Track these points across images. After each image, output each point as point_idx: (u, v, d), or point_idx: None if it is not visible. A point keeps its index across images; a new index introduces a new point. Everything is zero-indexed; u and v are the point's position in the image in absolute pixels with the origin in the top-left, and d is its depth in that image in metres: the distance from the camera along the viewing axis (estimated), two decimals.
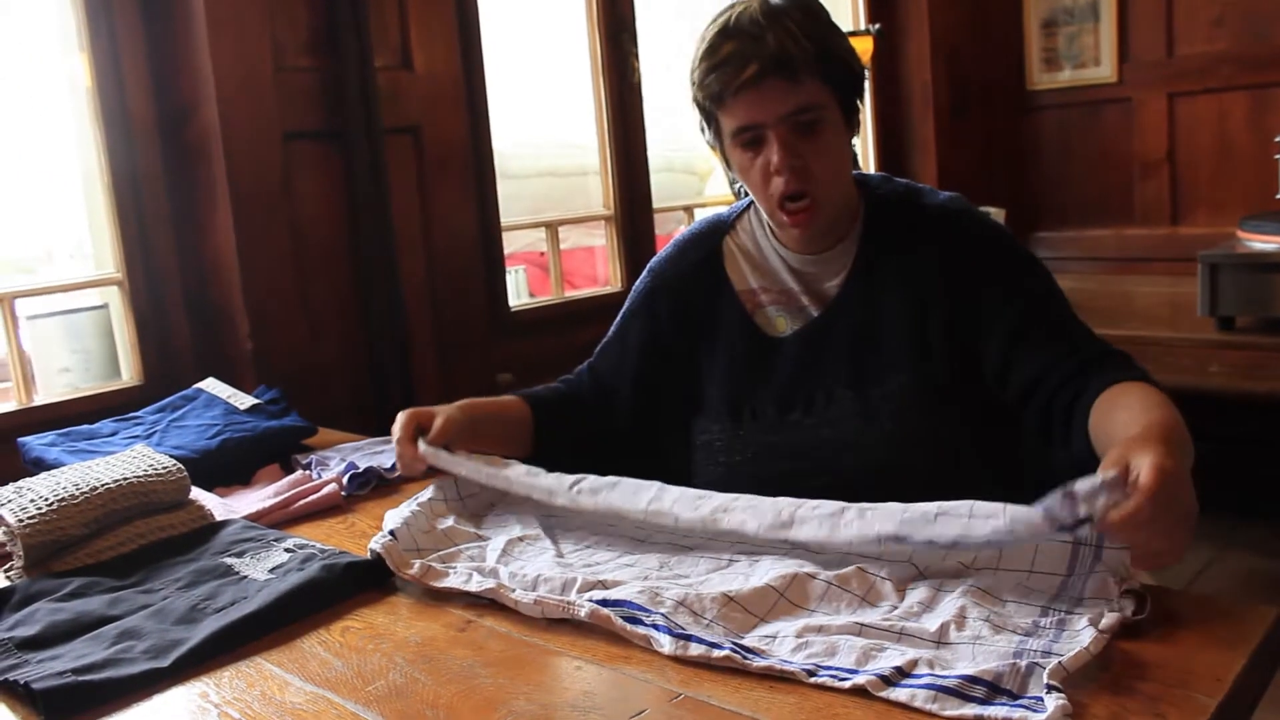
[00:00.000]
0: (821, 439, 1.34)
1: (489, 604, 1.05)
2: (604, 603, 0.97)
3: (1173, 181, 3.76)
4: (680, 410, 1.46)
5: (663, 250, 1.53)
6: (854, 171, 1.40)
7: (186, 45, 2.02)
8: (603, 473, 1.23)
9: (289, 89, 2.11)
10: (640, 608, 0.95)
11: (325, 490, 1.44)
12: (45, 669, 0.94)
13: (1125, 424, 1.03)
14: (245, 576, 1.14)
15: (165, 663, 0.96)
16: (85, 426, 1.72)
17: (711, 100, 1.30)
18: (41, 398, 2.01)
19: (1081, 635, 0.82)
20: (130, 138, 2.06)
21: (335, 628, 1.04)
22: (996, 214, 3.74)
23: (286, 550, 1.19)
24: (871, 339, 1.34)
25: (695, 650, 0.89)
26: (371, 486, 1.50)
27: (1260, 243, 2.59)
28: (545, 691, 0.88)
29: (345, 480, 1.48)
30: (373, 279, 2.24)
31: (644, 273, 1.52)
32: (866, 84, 1.45)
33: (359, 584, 1.11)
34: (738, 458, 1.38)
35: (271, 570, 1.14)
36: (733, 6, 1.29)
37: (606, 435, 1.50)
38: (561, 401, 1.50)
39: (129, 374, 2.12)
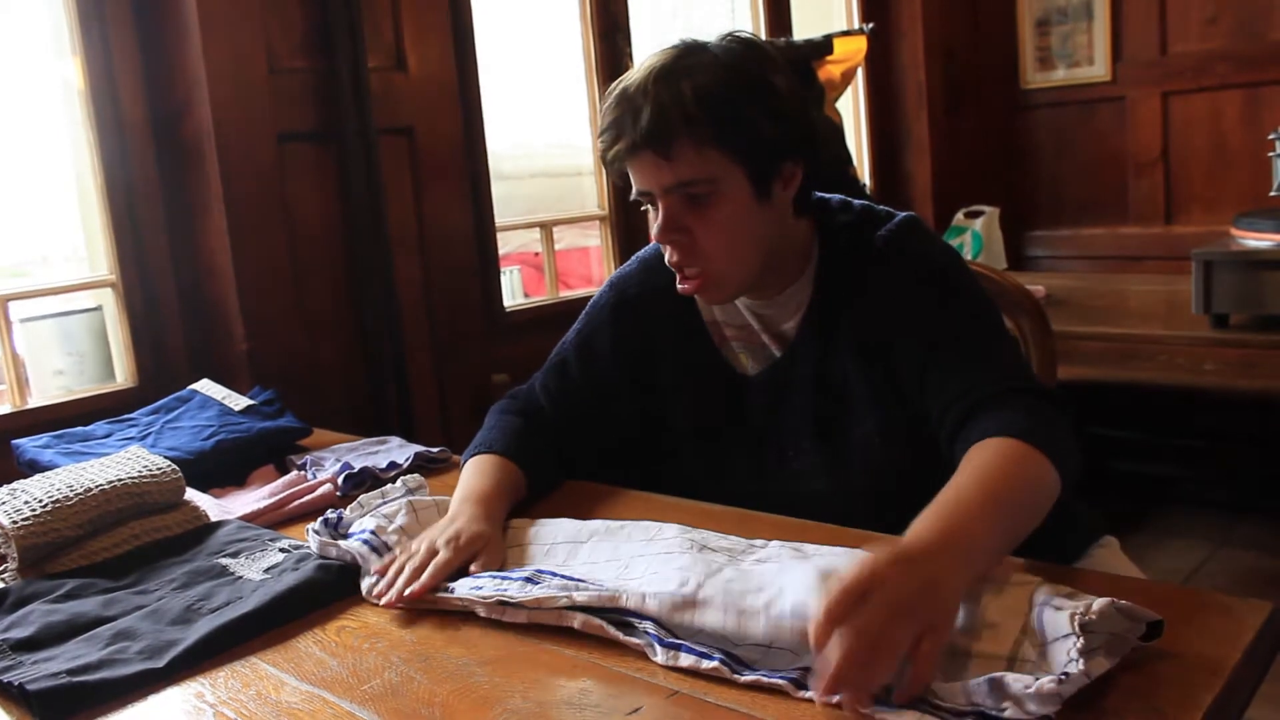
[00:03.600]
0: (794, 493, 1.30)
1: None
2: (598, 611, 0.97)
3: (1167, 180, 3.77)
4: (646, 436, 1.42)
5: (625, 266, 1.46)
6: (815, 195, 1.32)
7: (179, 47, 2.02)
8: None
9: (282, 90, 2.11)
10: (632, 614, 0.95)
11: (320, 491, 1.44)
12: (40, 670, 0.94)
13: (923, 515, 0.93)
14: (240, 577, 1.13)
15: (160, 663, 0.95)
16: (79, 428, 1.71)
17: (605, 162, 1.26)
18: (35, 400, 2.01)
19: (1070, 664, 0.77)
20: (123, 140, 2.05)
21: (330, 627, 1.03)
22: (990, 213, 3.75)
23: (281, 550, 1.19)
24: (832, 387, 1.28)
25: (685, 660, 0.89)
26: (366, 487, 1.50)
27: (1254, 240, 2.59)
28: (541, 689, 0.88)
29: (340, 481, 1.48)
30: (367, 280, 2.24)
31: (604, 288, 1.46)
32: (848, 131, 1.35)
33: (354, 584, 1.11)
34: (715, 503, 1.33)
35: (266, 570, 1.14)
36: (646, 60, 1.23)
37: (574, 450, 1.43)
38: (536, 436, 1.39)
39: (123, 376, 2.11)
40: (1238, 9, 3.53)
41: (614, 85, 1.24)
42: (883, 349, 1.24)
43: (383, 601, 1.07)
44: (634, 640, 0.93)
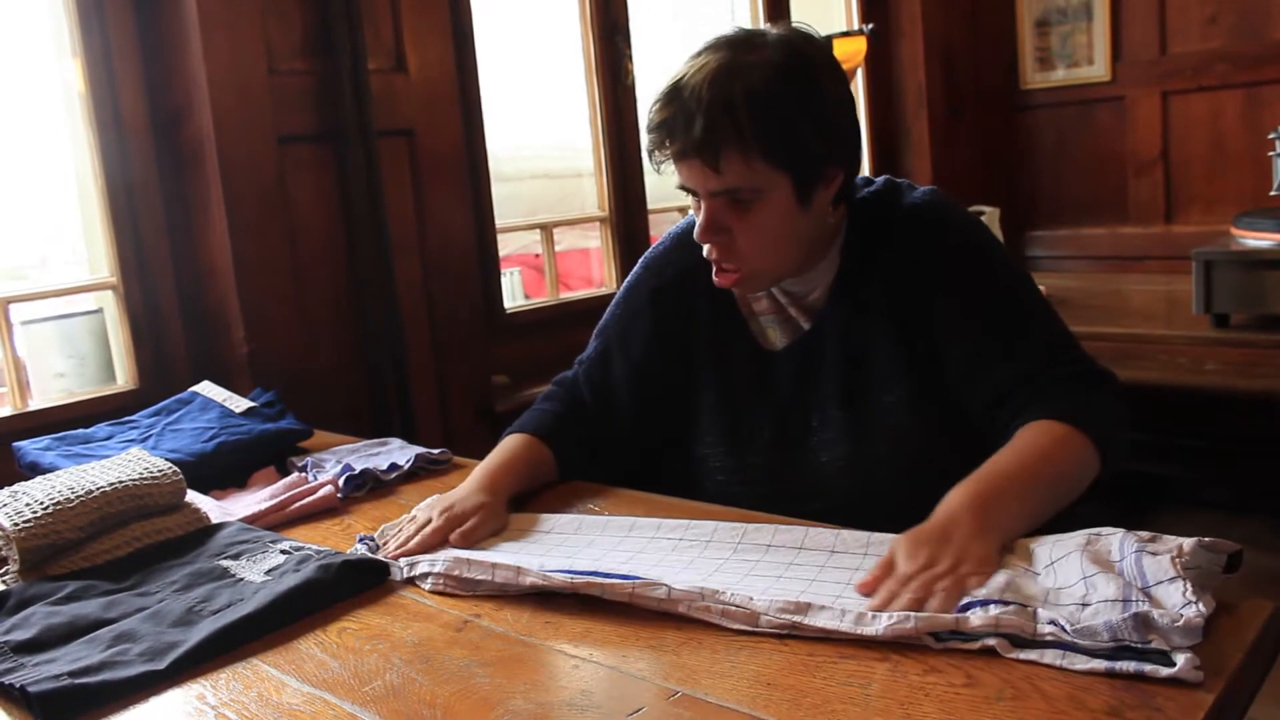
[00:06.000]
0: (817, 462, 1.32)
1: (486, 604, 1.05)
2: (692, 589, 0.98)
3: (1167, 179, 3.77)
4: (675, 414, 1.43)
5: (657, 245, 1.49)
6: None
7: (179, 49, 2.02)
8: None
9: (283, 92, 2.11)
10: (738, 606, 0.96)
11: (321, 492, 1.44)
12: (41, 672, 0.94)
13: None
14: (241, 579, 1.13)
15: (162, 665, 0.95)
16: (80, 430, 1.71)
17: (650, 159, 1.27)
18: (36, 402, 2.01)
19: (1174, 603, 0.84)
20: (124, 142, 2.05)
21: (332, 628, 1.03)
22: (990, 213, 3.74)
23: (283, 552, 1.19)
24: (859, 355, 1.30)
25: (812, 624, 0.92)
26: (367, 489, 1.50)
27: (1254, 240, 2.59)
28: (542, 690, 0.87)
29: (341, 482, 1.48)
30: (368, 281, 2.24)
31: (638, 268, 1.47)
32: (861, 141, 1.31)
33: (355, 585, 1.11)
34: (736, 476, 1.36)
35: (268, 572, 1.14)
36: (699, 55, 1.21)
37: (608, 444, 1.46)
38: (573, 424, 1.43)
39: (124, 378, 2.11)
40: (1237, 8, 3.53)
41: (672, 74, 1.23)
42: (920, 312, 1.26)
43: (382, 554, 1.17)
44: (743, 610, 0.95)
